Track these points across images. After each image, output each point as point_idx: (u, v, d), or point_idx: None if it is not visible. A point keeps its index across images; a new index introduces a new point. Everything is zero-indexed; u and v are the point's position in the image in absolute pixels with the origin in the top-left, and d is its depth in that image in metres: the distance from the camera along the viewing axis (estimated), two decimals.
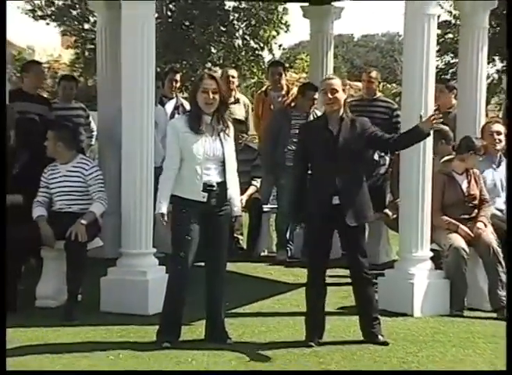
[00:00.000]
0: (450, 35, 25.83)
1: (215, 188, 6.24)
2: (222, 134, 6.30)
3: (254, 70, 29.70)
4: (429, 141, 7.47)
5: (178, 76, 10.28)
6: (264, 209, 10.15)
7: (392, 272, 7.66)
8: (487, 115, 10.22)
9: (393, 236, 9.12)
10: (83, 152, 8.40)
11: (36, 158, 7.64)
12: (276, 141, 9.75)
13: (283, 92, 10.44)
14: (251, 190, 9.67)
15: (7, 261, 7.16)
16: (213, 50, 30.40)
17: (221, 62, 30.10)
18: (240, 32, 30.42)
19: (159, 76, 9.04)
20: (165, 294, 6.36)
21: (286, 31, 29.97)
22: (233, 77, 10.64)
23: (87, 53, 30.64)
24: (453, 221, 7.69)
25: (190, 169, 6.22)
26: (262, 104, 10.61)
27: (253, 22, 29.86)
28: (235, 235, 10.32)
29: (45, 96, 9.54)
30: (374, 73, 10.07)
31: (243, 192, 8.47)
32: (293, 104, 9.99)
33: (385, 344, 6.36)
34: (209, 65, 29.97)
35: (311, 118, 9.61)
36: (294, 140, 9.53)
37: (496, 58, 26.03)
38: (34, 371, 5.35)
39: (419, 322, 7.15)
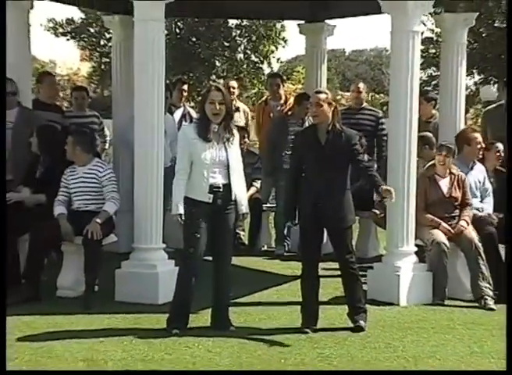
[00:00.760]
0: (432, 50, 25.79)
1: (220, 190, 6.24)
2: (227, 141, 6.30)
3: (255, 82, 29.68)
4: (414, 145, 7.49)
5: (185, 87, 10.27)
6: (264, 208, 10.15)
7: (380, 265, 7.65)
8: (466, 123, 10.20)
9: (381, 232, 9.11)
10: (99, 156, 8.39)
11: (57, 162, 7.64)
12: (275, 147, 9.75)
13: (282, 101, 10.43)
14: (252, 190, 9.66)
15: (32, 255, 7.21)
16: (217, 63, 30.41)
17: (224, 74, 30.10)
18: (242, 47, 30.44)
19: (168, 87, 9.02)
20: (175, 286, 6.34)
21: (283, 46, 29.97)
22: (233, 88, 10.65)
23: (103, 66, 30.65)
24: (436, 219, 7.69)
25: (198, 172, 6.22)
26: (263, 112, 10.60)
27: (253, 38, 29.88)
28: (237, 231, 10.32)
29: (59, 105, 9.50)
30: (361, 85, 10.09)
31: None
32: (290, 112, 9.99)
33: (362, 330, 6.35)
34: (214, 77, 29.97)
35: (306, 124, 9.60)
36: (291, 145, 9.55)
37: (474, 71, 26.01)
38: (34, 371, 5.27)
39: (404, 310, 7.14)
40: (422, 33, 8.62)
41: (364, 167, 6.42)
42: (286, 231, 9.97)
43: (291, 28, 32.12)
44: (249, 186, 9.42)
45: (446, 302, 7.44)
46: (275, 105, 10.41)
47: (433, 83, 25.78)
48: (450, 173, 7.82)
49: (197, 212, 6.20)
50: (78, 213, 7.39)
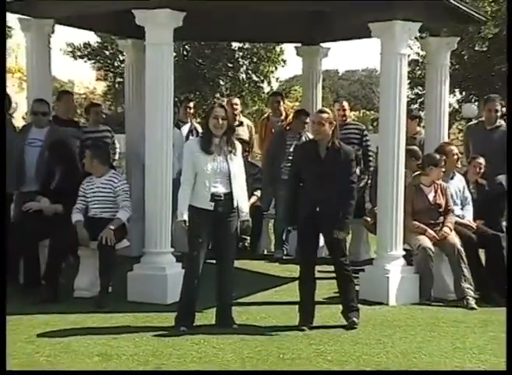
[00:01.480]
0: (418, 71, 25.86)
1: (222, 198, 6.24)
2: (229, 153, 6.30)
3: (256, 100, 29.77)
4: (402, 158, 7.49)
5: (191, 105, 10.26)
6: (264, 215, 10.14)
7: (371, 267, 7.64)
8: (449, 137, 10.21)
9: (372, 238, 9.09)
10: (114, 168, 8.38)
11: (69, 174, 7.63)
12: (274, 159, 9.74)
13: (282, 117, 10.42)
14: (253, 199, 9.65)
15: (51, 259, 7.19)
16: (221, 82, 30.50)
17: (228, 92, 30.18)
18: (244, 67, 30.54)
19: (176, 105, 9.03)
20: (181, 287, 6.34)
21: (282, 66, 30.08)
22: (236, 104, 10.65)
23: (117, 85, 30.77)
24: (422, 225, 7.68)
25: (200, 182, 6.22)
26: (265, 127, 10.58)
27: (255, 59, 29.98)
28: (243, 237, 10.33)
29: (76, 120, 9.48)
30: (345, 103, 10.14)
31: None
32: (288, 127, 9.98)
33: (356, 326, 6.34)
34: (218, 95, 30.04)
35: (303, 139, 9.61)
36: (289, 157, 9.56)
37: (456, 90, 26.06)
38: (34, 371, 5.20)
39: (393, 310, 7.12)
40: (409, 56, 8.64)
41: (349, 182, 6.40)
42: (284, 237, 9.97)
43: (289, 50, 32.21)
44: (250, 195, 9.44)
45: (432, 302, 7.42)
46: (276, 121, 10.40)
47: (419, 101, 25.85)
48: (434, 182, 7.83)
49: (199, 218, 6.20)
50: (94, 220, 7.38)
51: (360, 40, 9.85)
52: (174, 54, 7.99)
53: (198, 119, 15.07)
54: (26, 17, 8.42)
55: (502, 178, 8.38)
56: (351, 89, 53.39)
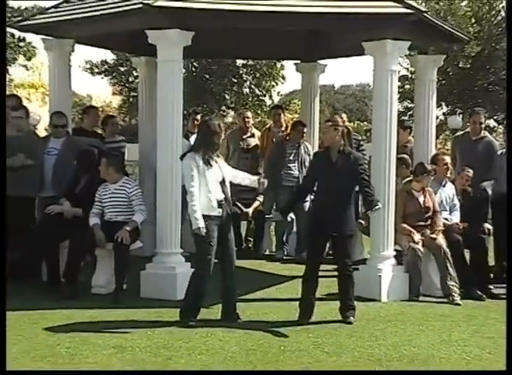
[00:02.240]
0: (408, 86, 25.84)
1: (224, 203, 6.25)
2: (219, 163, 6.32)
3: (259, 112, 29.76)
4: (393, 166, 7.48)
5: (198, 117, 10.25)
6: (267, 219, 10.12)
7: (365, 267, 7.62)
8: (436, 146, 10.20)
9: (366, 239, 9.08)
10: (128, 174, 8.38)
11: (94, 181, 7.64)
12: (275, 166, 9.73)
13: (283, 128, 10.42)
14: (256, 204, 9.63)
15: (70, 258, 7.18)
16: (227, 96, 30.54)
17: (232, 105, 30.21)
18: (248, 83, 30.57)
19: (185, 117, 9.03)
20: (190, 285, 6.30)
21: (282, 82, 30.10)
22: (248, 117, 10.60)
23: (131, 99, 30.77)
24: (409, 228, 7.68)
25: (207, 192, 6.20)
26: (267, 138, 10.57)
27: (257, 75, 30.03)
28: (248, 238, 10.32)
29: (99, 132, 9.50)
30: (344, 115, 10.07)
31: (249, 205, 8.48)
32: (287, 137, 9.98)
33: (351, 323, 6.31)
34: (223, 107, 30.07)
35: (302, 148, 9.62)
36: (289, 165, 9.56)
37: (443, 103, 26.03)
38: (34, 371, 5.11)
39: (385, 305, 7.11)
40: (399, 72, 8.62)
41: (363, 185, 6.34)
42: (285, 238, 9.96)
43: (289, 67, 32.28)
44: (253, 200, 9.43)
45: (420, 299, 7.42)
46: (277, 132, 10.39)
47: (409, 113, 25.83)
48: (423, 187, 7.84)
49: (210, 225, 6.19)
50: (109, 223, 7.38)
51: (354, 57, 9.87)
52: (183, 70, 8.00)
53: None
54: (48, 38, 8.44)
55: (486, 185, 8.40)
56: (346, 102, 53.27)
